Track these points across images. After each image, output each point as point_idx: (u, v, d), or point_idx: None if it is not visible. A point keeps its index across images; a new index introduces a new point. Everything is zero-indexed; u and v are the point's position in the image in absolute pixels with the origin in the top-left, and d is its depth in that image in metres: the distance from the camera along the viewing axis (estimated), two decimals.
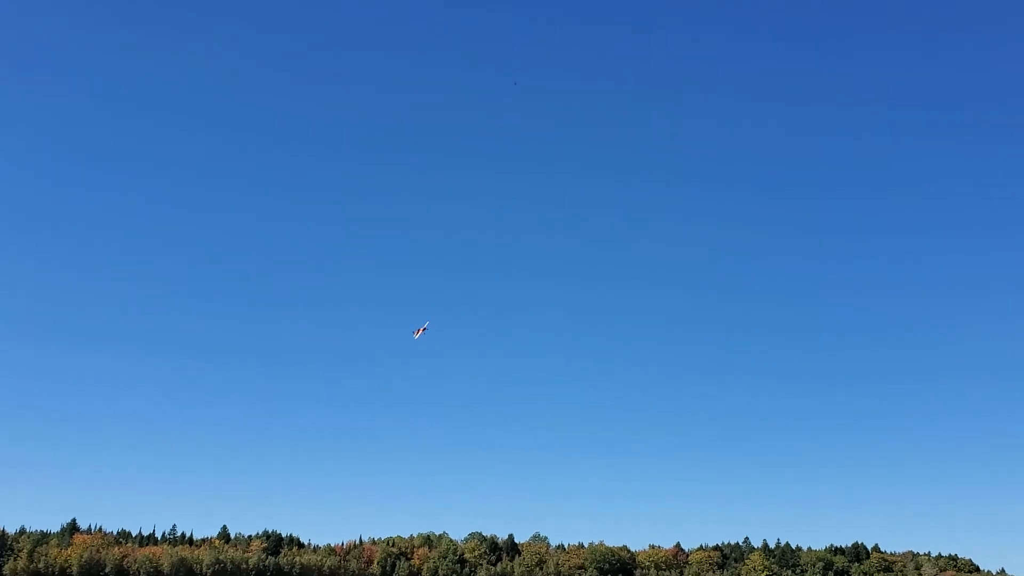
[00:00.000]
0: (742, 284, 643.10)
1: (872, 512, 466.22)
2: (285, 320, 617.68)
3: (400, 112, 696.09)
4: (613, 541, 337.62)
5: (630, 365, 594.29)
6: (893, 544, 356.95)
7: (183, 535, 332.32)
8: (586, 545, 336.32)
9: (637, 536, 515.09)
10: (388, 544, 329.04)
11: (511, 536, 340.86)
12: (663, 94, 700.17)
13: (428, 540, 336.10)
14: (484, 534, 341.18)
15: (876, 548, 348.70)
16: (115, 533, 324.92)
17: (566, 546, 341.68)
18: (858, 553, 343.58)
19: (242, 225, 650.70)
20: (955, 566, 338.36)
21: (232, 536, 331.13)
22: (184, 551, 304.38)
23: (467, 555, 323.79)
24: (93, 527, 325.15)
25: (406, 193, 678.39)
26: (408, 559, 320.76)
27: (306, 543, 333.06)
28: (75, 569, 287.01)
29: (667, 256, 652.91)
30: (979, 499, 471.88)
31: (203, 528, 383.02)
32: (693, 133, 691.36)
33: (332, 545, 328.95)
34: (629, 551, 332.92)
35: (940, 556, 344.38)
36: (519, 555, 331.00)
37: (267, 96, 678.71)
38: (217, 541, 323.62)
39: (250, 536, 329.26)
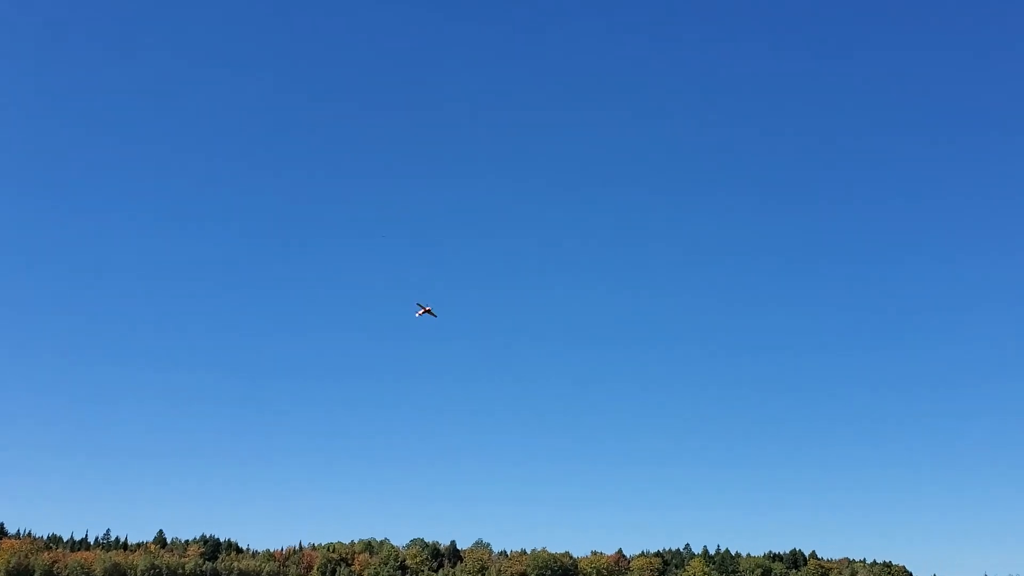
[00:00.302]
0: (697, 287, 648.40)
1: (811, 519, 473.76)
2: (225, 323, 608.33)
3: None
4: (556, 547, 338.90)
5: (573, 372, 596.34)
6: (830, 551, 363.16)
7: (117, 540, 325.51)
8: (528, 551, 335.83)
9: (580, 542, 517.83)
10: (328, 550, 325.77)
11: (453, 543, 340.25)
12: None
13: (369, 546, 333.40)
14: (426, 540, 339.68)
15: (813, 555, 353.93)
16: (45, 538, 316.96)
17: (508, 552, 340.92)
18: (796, 559, 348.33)
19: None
20: (889, 572, 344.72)
21: (168, 541, 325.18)
22: (118, 556, 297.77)
23: (409, 561, 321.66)
24: (22, 532, 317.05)
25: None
26: (349, 565, 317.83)
27: (245, 548, 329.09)
28: (2, 574, 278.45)
29: (621, 257, 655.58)
30: (914, 506, 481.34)
31: (138, 533, 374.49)
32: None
33: (271, 550, 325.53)
34: (571, 557, 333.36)
35: (875, 563, 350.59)
36: (461, 561, 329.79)
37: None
38: (152, 546, 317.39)
39: (187, 541, 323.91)
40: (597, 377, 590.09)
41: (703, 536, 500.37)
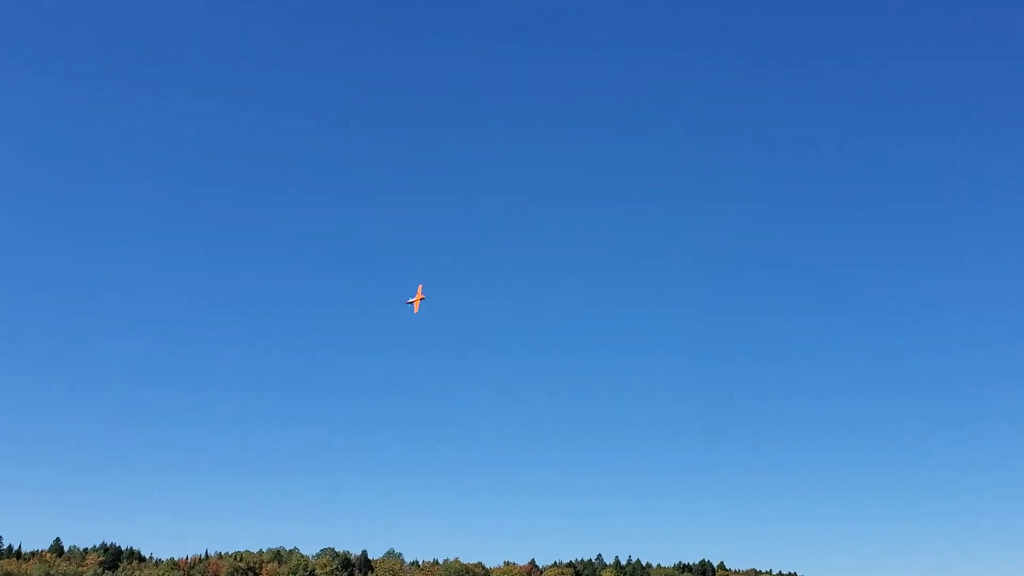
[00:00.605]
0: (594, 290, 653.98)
1: (720, 530, 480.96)
2: (117, 329, 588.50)
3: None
4: (468, 558, 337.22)
5: (485, 381, 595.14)
6: (738, 562, 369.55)
7: (10, 548, 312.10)
8: (441, 562, 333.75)
9: (492, 552, 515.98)
10: (235, 559, 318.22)
11: (364, 552, 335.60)
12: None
13: (278, 555, 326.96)
14: (336, 550, 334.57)
15: (722, 565, 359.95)
16: None
17: (421, 563, 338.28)
18: (704, 570, 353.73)
19: None
20: None
21: (66, 549, 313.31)
22: (10, 565, 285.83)
23: (318, 571, 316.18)
24: None
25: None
26: (256, 574, 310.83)
27: (147, 557, 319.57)
28: None
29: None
30: (819, 517, 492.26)
31: (33, 541, 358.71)
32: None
33: (176, 559, 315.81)
34: (484, 568, 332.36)
35: (781, 574, 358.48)
36: (372, 572, 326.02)
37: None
38: (48, 555, 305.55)
39: (86, 549, 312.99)
40: (510, 386, 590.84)
41: (615, 546, 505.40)
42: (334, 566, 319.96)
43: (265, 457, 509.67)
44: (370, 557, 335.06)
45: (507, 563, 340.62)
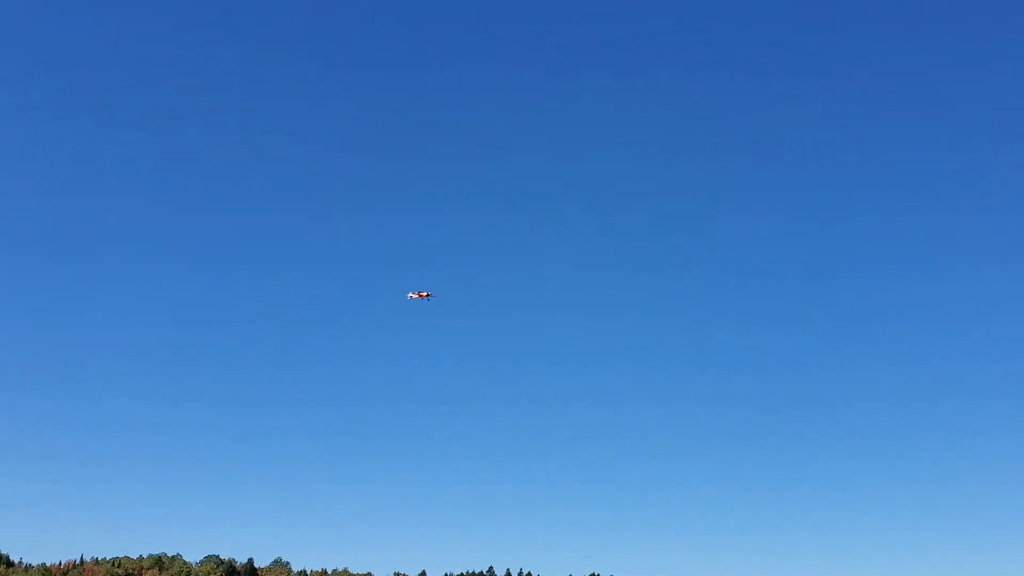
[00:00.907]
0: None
1: (616, 542, 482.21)
2: None
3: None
4: (358, 567, 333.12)
5: (379, 387, 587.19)
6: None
7: None
8: (330, 571, 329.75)
9: (383, 563, 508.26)
10: (113, 565, 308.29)
11: (251, 560, 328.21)
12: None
13: (159, 562, 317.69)
14: (222, 557, 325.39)
15: None
16: None
17: (309, 572, 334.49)
18: None
19: None
20: None
21: None
22: None
23: None
24: None
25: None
26: None
27: (17, 562, 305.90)
28: None
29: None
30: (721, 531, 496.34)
31: None
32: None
33: (48, 565, 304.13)
34: None
35: None
36: None
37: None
38: None
39: None
40: (400, 392, 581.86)
41: (508, 558, 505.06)
42: (218, 573, 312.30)
43: (148, 459, 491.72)
44: (256, 565, 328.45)
45: (397, 573, 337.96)
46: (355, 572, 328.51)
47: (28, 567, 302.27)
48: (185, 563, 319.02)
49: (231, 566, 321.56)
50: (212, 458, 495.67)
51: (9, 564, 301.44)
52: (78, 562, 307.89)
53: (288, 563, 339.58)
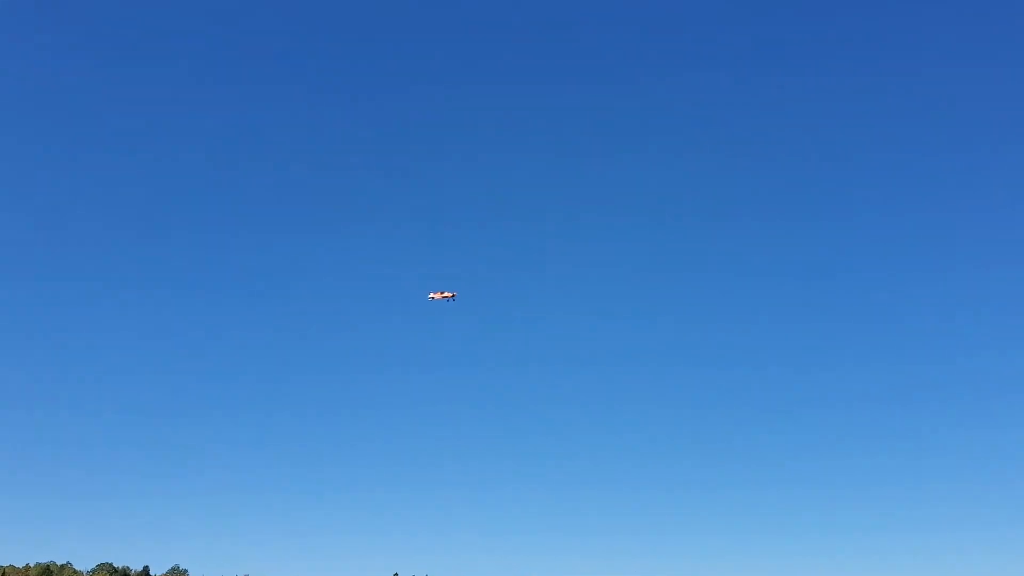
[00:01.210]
0: None
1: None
2: None
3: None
4: (257, 574, 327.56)
5: (280, 397, 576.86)
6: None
7: None
8: None
9: (283, 569, 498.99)
10: None
11: (147, 568, 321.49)
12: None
13: (47, 570, 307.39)
14: (115, 565, 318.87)
15: None
16: None
17: None
18: None
19: None
20: None
21: None
22: None
23: None
24: None
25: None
26: None
27: None
28: None
29: None
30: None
31: None
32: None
33: None
34: None
35: None
36: None
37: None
38: None
39: None
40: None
41: (412, 563, 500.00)
42: None
43: (36, 461, 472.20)
44: (152, 573, 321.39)
45: None
46: None
47: None
48: (76, 572, 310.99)
49: (125, 574, 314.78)
50: (107, 461, 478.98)
51: None
52: None
53: (186, 570, 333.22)
